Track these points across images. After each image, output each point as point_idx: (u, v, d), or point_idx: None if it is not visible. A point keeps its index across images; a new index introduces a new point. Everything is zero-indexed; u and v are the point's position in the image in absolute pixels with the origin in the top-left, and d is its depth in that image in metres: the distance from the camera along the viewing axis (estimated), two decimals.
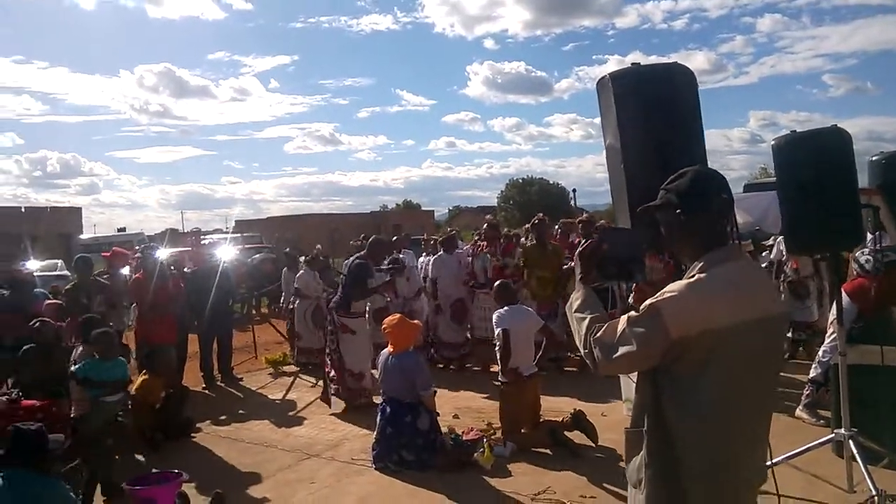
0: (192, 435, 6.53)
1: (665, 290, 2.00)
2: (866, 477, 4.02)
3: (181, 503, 4.52)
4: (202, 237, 14.47)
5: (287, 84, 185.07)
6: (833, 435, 4.37)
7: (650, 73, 2.77)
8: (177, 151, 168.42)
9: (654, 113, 2.73)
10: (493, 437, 5.81)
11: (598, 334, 2.08)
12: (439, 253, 9.37)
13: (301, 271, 10.07)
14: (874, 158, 5.64)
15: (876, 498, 3.89)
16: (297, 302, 9.81)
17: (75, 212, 46.06)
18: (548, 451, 5.52)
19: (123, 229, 31.59)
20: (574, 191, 51.64)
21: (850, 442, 4.19)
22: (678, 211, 2.09)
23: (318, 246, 11.23)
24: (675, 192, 2.11)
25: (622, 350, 2.01)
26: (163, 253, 12.33)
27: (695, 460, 1.98)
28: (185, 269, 9.28)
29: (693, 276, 2.03)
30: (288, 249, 11.05)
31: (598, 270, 2.26)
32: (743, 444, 2.03)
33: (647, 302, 2.01)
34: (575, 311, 2.24)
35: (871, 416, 4.55)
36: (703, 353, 1.94)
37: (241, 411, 7.52)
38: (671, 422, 2.00)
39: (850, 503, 4.12)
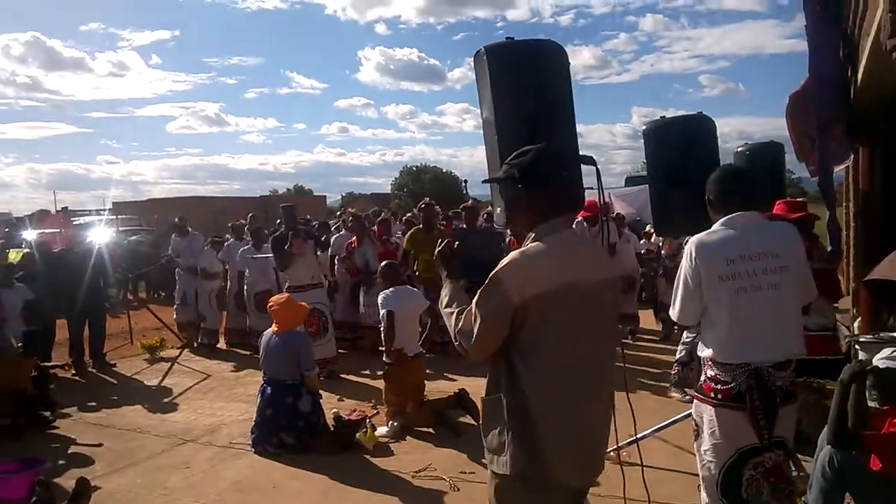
0: (55, 424, 6.13)
1: (502, 261, 2.16)
2: None
3: (42, 491, 4.23)
4: (73, 217, 13.58)
5: (169, 60, 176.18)
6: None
7: (524, 48, 2.82)
8: (48, 127, 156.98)
9: (526, 87, 2.78)
10: (375, 416, 5.82)
11: (460, 324, 2.24)
12: (341, 232, 9.46)
13: (205, 247, 9.89)
14: (739, 149, 6.02)
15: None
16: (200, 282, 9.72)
17: None
18: (431, 430, 5.58)
19: None
20: (465, 182, 52.27)
21: None
22: (519, 185, 2.24)
23: (251, 214, 10.87)
24: (518, 167, 2.25)
25: (477, 329, 2.17)
26: (30, 234, 11.54)
27: (544, 412, 2.14)
28: (54, 250, 8.70)
29: (527, 245, 2.21)
30: (178, 219, 10.51)
31: (459, 269, 2.38)
32: (583, 394, 2.20)
33: (490, 275, 2.17)
34: (444, 308, 2.37)
35: None
36: (541, 315, 2.12)
37: (113, 397, 7.14)
38: (522, 381, 2.16)
39: None
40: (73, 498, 4.17)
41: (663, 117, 4.29)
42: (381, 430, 5.51)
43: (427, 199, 9.07)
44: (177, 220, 10.52)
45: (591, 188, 3.18)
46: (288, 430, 5.26)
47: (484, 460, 4.89)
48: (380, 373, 6.24)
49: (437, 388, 6.44)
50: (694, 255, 2.85)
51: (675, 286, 3.03)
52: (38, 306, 7.51)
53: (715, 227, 2.92)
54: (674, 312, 3.03)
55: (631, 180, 18.56)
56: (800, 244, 2.97)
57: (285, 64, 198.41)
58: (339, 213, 10.37)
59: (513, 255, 2.18)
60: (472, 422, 5.68)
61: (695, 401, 3.06)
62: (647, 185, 5.00)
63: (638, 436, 3.75)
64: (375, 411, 6.03)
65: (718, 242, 2.84)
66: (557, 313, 2.12)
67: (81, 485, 4.31)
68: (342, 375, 7.54)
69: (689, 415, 4.64)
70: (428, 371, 6.36)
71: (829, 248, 5.34)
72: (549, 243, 2.17)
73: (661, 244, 9.35)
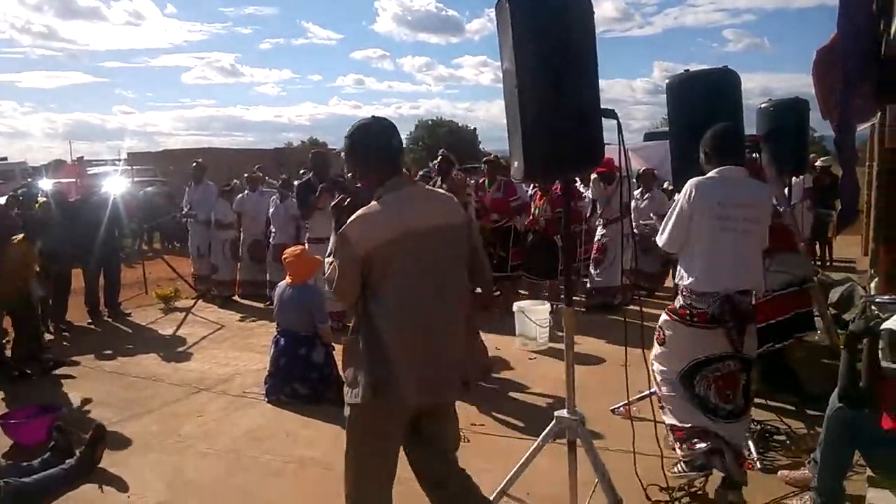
0: (70, 371, 6.23)
1: (350, 218, 2.56)
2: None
3: (59, 436, 4.29)
4: (88, 167, 13.55)
5: (184, 9, 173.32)
6: None
7: None
8: (64, 77, 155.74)
9: (549, 37, 2.68)
10: None
11: (327, 273, 2.62)
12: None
13: (217, 198, 9.83)
14: (763, 106, 5.87)
15: None
16: (214, 232, 9.68)
17: None
18: None
19: (4, 159, 29.06)
20: (474, 129, 51.59)
21: None
22: (359, 155, 2.66)
23: (257, 166, 10.79)
24: (356, 139, 2.65)
25: (337, 278, 2.54)
26: (46, 183, 11.58)
27: (392, 343, 2.51)
28: (70, 200, 8.72)
29: (371, 203, 2.59)
30: (195, 163, 10.27)
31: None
32: (426, 325, 2.55)
33: (339, 231, 2.59)
34: (327, 256, 2.70)
35: None
36: (384, 261, 2.50)
37: (128, 346, 7.23)
38: (374, 318, 2.53)
39: None
40: (90, 443, 4.23)
41: (687, 70, 4.17)
42: None
43: (443, 150, 8.97)
44: (194, 164, 10.34)
45: (611, 144, 3.14)
46: (301, 381, 5.31)
47: (494, 413, 4.95)
48: None
49: None
50: (693, 193, 3.33)
51: (665, 218, 3.52)
52: (54, 256, 7.56)
53: (710, 174, 3.41)
54: (661, 239, 3.52)
55: (650, 136, 18.26)
56: (770, 202, 3.68)
57: (301, 14, 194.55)
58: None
59: (357, 213, 2.56)
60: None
61: (665, 316, 3.57)
62: (666, 141, 4.90)
63: (651, 390, 3.77)
64: None
65: (712, 186, 3.34)
66: (397, 258, 2.50)
67: (98, 431, 4.37)
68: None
69: None
70: None
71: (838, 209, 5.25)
72: (385, 202, 2.57)
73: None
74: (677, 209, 3.40)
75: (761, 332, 4.00)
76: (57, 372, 6.20)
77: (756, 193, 3.46)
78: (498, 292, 7.98)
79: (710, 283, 3.30)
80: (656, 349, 3.63)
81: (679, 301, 3.48)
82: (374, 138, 2.64)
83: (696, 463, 3.41)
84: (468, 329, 2.86)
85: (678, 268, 3.52)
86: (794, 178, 6.55)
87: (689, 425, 3.45)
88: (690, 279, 3.39)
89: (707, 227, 3.29)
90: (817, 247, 11.17)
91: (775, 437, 4.23)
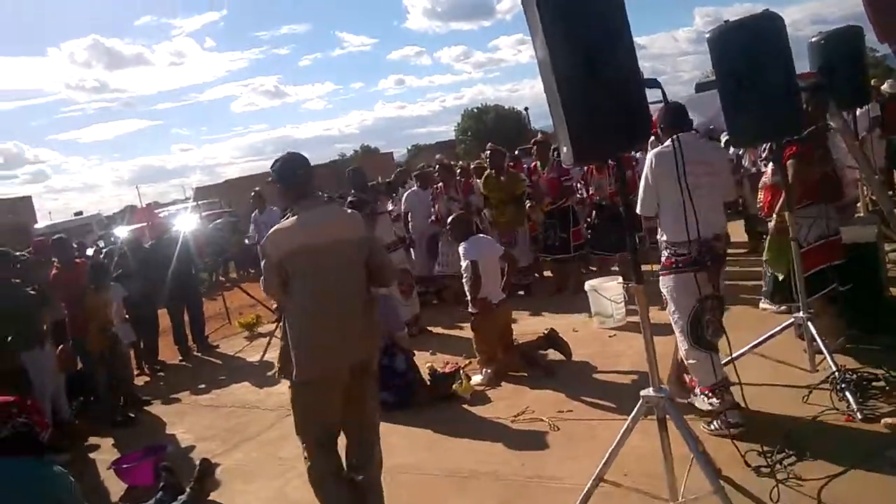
0: (169, 408, 6.52)
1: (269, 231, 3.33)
2: (827, 356, 4.15)
3: (167, 476, 4.52)
4: (158, 210, 14.14)
5: (222, 41, 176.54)
6: (792, 320, 4.47)
7: None
8: (121, 125, 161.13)
9: (578, 18, 2.64)
10: (468, 366, 5.90)
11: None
12: (413, 188, 9.39)
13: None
14: (813, 40, 5.61)
15: (836, 374, 4.03)
16: None
17: (25, 200, 44.28)
18: (524, 373, 5.62)
19: (80, 213, 30.58)
20: (526, 109, 51.00)
21: (809, 324, 4.30)
22: (278, 184, 3.41)
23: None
24: (274, 171, 3.41)
25: (263, 279, 3.40)
26: (122, 231, 12.10)
27: (300, 332, 3.24)
28: (146, 245, 9.12)
29: (286, 218, 3.33)
30: (253, 192, 10.49)
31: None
32: (324, 317, 3.23)
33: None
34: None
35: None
36: (293, 266, 3.21)
37: (220, 377, 7.52)
38: (289, 313, 3.32)
39: (814, 382, 4.24)
40: (199, 478, 4.44)
41: (726, 21, 4.02)
42: (476, 379, 5.59)
43: (490, 144, 8.94)
44: (252, 193, 10.62)
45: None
46: (388, 390, 5.39)
47: (581, 397, 4.93)
48: (465, 324, 6.30)
49: (524, 331, 6.46)
50: (654, 162, 3.86)
51: (639, 187, 4.02)
52: (135, 302, 7.93)
53: (667, 143, 3.79)
54: (639, 207, 3.99)
55: (701, 87, 17.66)
56: (725, 158, 4.60)
57: (334, 24, 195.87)
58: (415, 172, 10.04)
59: (276, 227, 3.32)
60: (564, 359, 5.71)
61: (661, 277, 3.99)
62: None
63: (733, 354, 3.70)
64: (468, 361, 6.10)
65: (669, 154, 3.61)
66: (302, 264, 3.21)
67: (205, 465, 4.59)
68: (430, 329, 7.66)
69: (788, 326, 4.55)
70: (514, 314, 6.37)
71: None
72: (302, 216, 3.26)
73: (741, 153, 8.89)
74: (644, 178, 3.96)
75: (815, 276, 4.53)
76: (155, 411, 6.50)
77: (710, 152, 4.08)
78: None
79: (684, 233, 3.63)
80: (669, 308, 4.02)
81: (664, 256, 3.99)
82: (282, 171, 3.38)
83: (732, 420, 3.79)
84: (369, 316, 3.45)
85: (659, 230, 4.02)
86: (858, 110, 6.23)
87: (712, 381, 3.92)
88: (668, 233, 3.92)
89: (672, 187, 3.58)
90: (895, 176, 10.58)
91: (873, 384, 4.06)
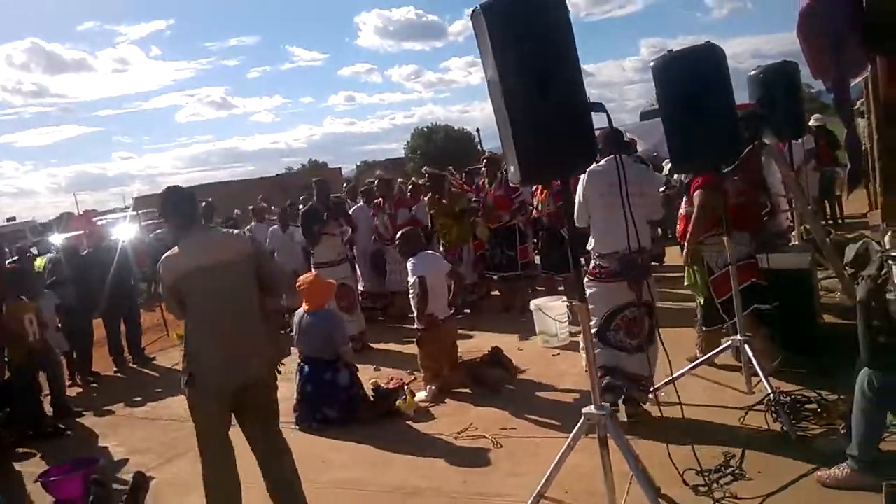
0: (101, 420, 6.30)
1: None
2: (763, 378, 4.28)
3: (97, 489, 4.36)
4: (96, 218, 13.70)
5: (168, 50, 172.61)
6: (730, 342, 4.60)
7: (521, 2, 2.73)
8: (59, 131, 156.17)
9: (527, 41, 2.68)
10: (412, 382, 5.88)
11: None
12: (358, 204, 9.37)
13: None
14: (753, 73, 5.85)
15: (772, 395, 4.16)
16: None
17: None
18: (468, 390, 5.63)
19: (13, 219, 29.38)
20: (478, 130, 51.41)
21: (746, 346, 4.43)
22: (162, 217, 3.93)
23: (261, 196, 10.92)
24: (160, 206, 3.77)
25: (164, 299, 3.83)
26: (56, 238, 11.68)
27: (195, 345, 3.48)
28: (82, 252, 8.82)
29: (175, 247, 3.54)
30: (205, 202, 10.44)
31: None
32: (215, 333, 3.44)
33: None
34: None
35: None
36: (186, 287, 3.44)
37: (156, 390, 7.29)
38: (187, 329, 3.54)
39: (750, 403, 4.36)
40: (132, 491, 4.30)
41: (670, 51, 4.16)
42: (420, 395, 5.58)
43: (426, 168, 9.06)
44: (203, 203, 10.40)
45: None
46: (330, 405, 5.35)
47: (524, 415, 4.96)
48: (410, 340, 6.28)
49: (469, 348, 6.48)
50: (586, 179, 4.27)
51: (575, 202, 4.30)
52: (70, 310, 7.65)
53: (601, 162, 4.13)
54: (576, 219, 4.18)
55: (646, 115, 18.21)
56: (655, 183, 4.96)
57: (284, 39, 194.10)
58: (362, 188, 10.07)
59: (164, 255, 3.53)
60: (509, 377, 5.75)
61: (586, 279, 4.23)
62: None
63: (674, 375, 3.78)
64: (412, 377, 6.09)
65: (602, 173, 4.15)
66: (192, 286, 3.43)
67: (139, 478, 4.44)
68: (374, 346, 7.61)
69: (725, 349, 4.67)
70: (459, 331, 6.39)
71: (848, 166, 5.25)
72: (181, 245, 3.51)
73: (683, 179, 9.14)
74: (578, 194, 4.35)
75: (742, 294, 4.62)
76: (88, 423, 6.27)
77: (638, 174, 4.37)
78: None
79: (608, 245, 4.19)
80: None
81: (592, 264, 4.41)
82: (167, 202, 3.64)
83: (605, 398, 3.94)
84: (264, 332, 3.65)
85: (590, 238, 4.41)
86: (794, 142, 6.50)
87: (601, 364, 4.20)
88: (596, 244, 4.36)
89: (601, 203, 4.19)
90: (827, 206, 11.06)
91: (806, 406, 4.20)
